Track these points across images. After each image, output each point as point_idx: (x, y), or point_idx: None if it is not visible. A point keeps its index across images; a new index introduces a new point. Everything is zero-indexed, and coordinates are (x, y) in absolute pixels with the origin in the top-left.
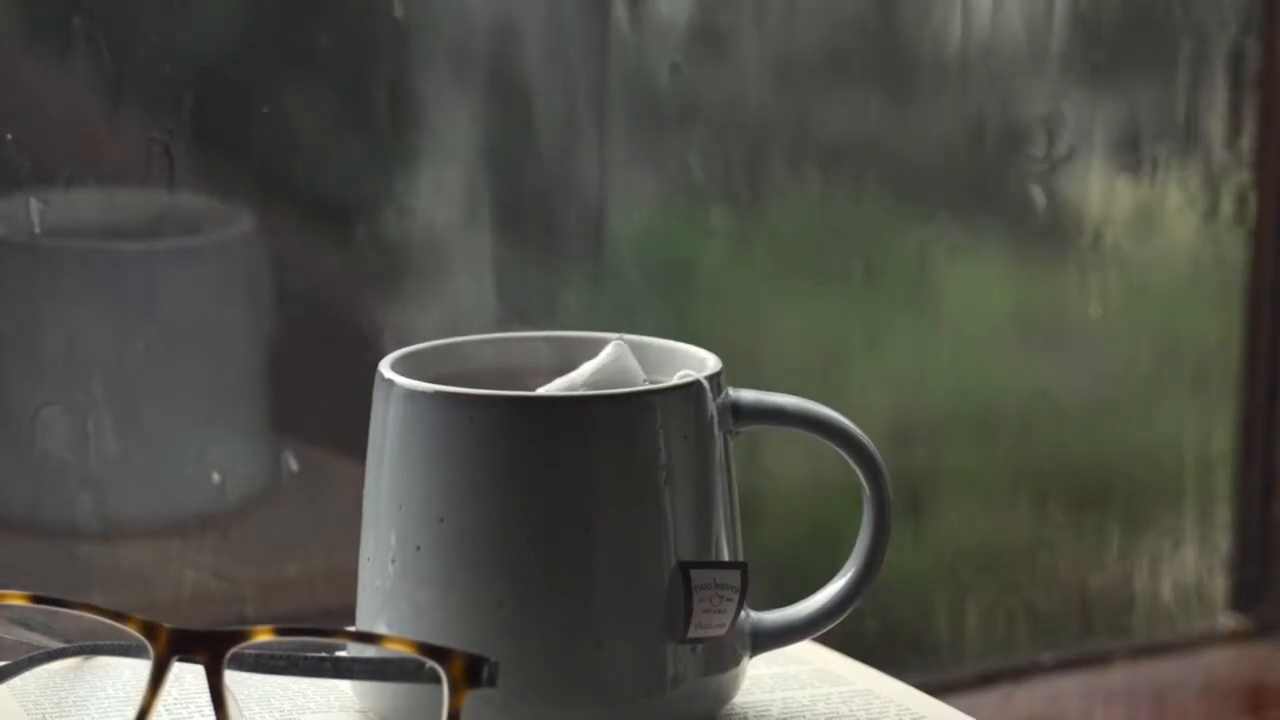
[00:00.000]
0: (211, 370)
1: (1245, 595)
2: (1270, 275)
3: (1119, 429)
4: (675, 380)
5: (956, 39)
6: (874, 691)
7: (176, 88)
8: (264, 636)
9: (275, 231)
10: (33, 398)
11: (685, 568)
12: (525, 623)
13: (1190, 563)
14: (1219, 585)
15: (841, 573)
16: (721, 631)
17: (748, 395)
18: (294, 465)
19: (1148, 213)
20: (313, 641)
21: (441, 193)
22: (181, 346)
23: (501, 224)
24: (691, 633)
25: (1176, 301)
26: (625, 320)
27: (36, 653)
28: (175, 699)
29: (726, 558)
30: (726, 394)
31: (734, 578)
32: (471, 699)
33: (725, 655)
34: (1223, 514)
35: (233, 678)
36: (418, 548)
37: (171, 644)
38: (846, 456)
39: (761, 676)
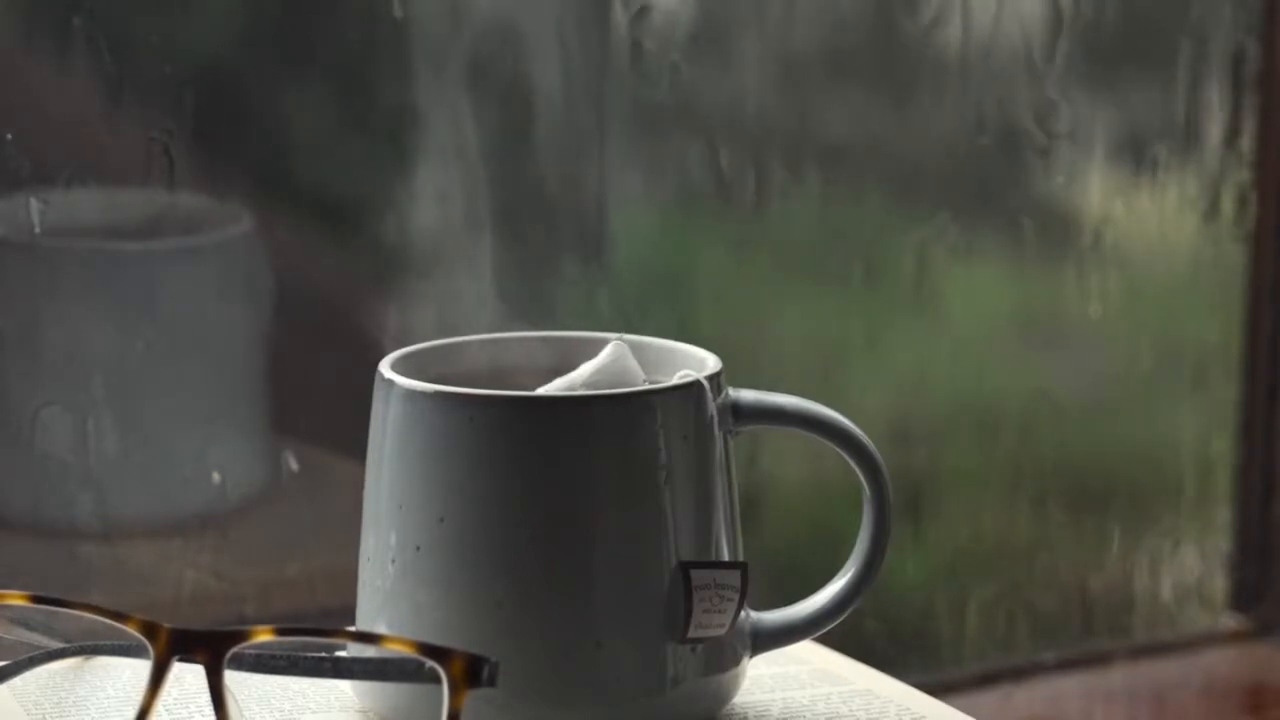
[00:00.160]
0: (211, 370)
1: (1245, 595)
2: (1270, 275)
3: (1119, 429)
4: (675, 380)
5: (957, 38)
6: (874, 691)
7: (176, 88)
8: (264, 636)
9: (275, 231)
10: (33, 398)
11: (685, 568)
12: (525, 623)
13: (1190, 563)
14: (1219, 585)
15: (841, 573)
16: (721, 631)
17: (748, 395)
18: (294, 465)
19: (1148, 213)
20: (313, 641)
21: (441, 193)
22: (181, 346)
23: (501, 224)
24: (691, 633)
25: (1176, 302)
26: (625, 320)
27: (36, 653)
28: (175, 699)
29: (726, 558)
30: (726, 394)
31: (734, 578)
32: (471, 699)
33: (725, 655)
34: (1223, 514)
35: (233, 678)
36: (418, 548)
37: (171, 644)
38: (846, 456)
39: (761, 676)
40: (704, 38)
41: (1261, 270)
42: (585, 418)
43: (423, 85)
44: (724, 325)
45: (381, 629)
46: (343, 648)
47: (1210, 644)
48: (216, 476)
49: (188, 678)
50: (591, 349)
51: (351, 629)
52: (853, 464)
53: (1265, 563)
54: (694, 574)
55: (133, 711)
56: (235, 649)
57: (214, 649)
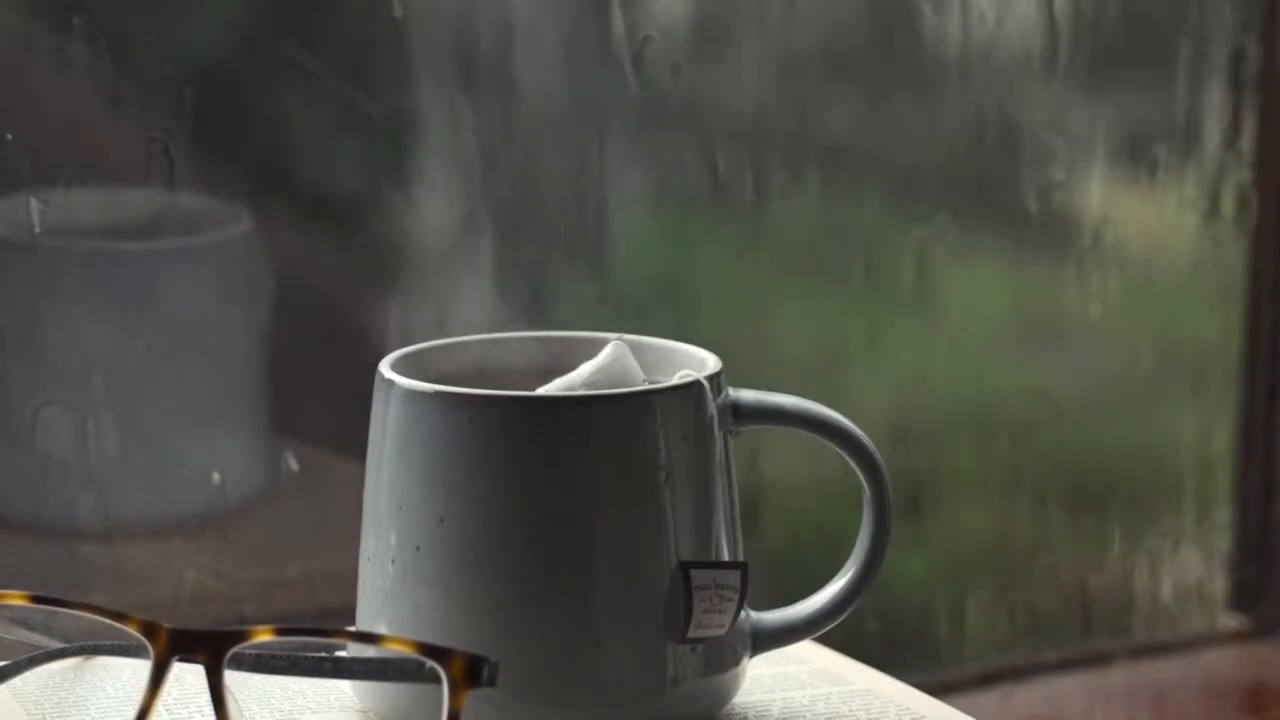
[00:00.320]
0: (211, 370)
1: (1245, 595)
2: (1270, 275)
3: (1119, 429)
4: (675, 380)
5: (957, 38)
6: (874, 691)
7: (176, 88)
8: (264, 636)
9: (275, 231)
10: (33, 398)
11: (685, 568)
12: (525, 623)
13: (1190, 563)
14: (1219, 585)
15: (841, 573)
16: (721, 631)
17: (748, 395)
18: (294, 465)
19: (1148, 213)
20: (313, 641)
21: (441, 193)
22: (181, 346)
23: (501, 224)
24: (691, 633)
25: (1176, 301)
26: (625, 320)
27: (36, 653)
28: (175, 699)
29: (726, 558)
30: (726, 394)
31: (734, 578)
32: (471, 699)
33: (725, 655)
34: (1223, 514)
35: (233, 678)
36: (418, 548)
37: (171, 644)
38: (846, 456)
39: (761, 676)
40: (704, 38)
41: (1261, 270)
42: (585, 418)
43: (423, 85)
44: (724, 325)
45: (381, 629)
46: (343, 648)
47: (1210, 644)
48: (216, 476)
49: (188, 678)
50: (591, 349)
51: (351, 629)
52: (853, 464)
53: (1265, 563)
54: (694, 574)
55: (133, 711)
56: (235, 649)
57: (214, 649)
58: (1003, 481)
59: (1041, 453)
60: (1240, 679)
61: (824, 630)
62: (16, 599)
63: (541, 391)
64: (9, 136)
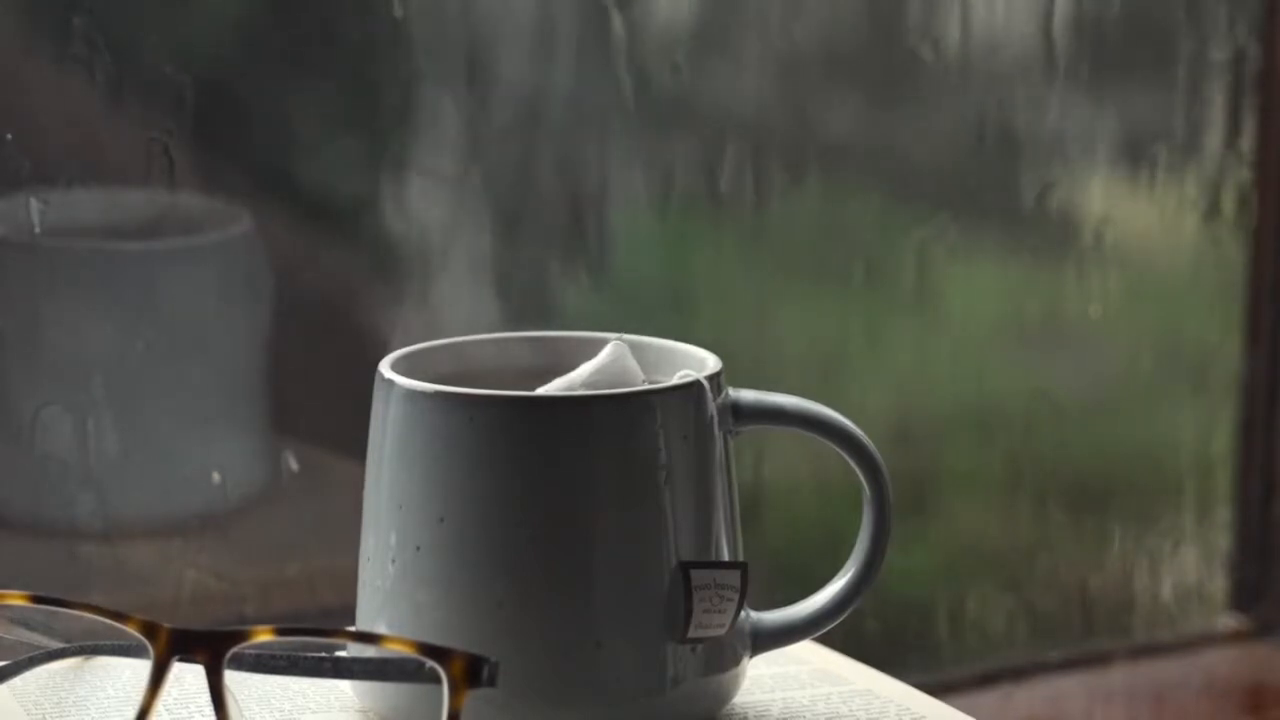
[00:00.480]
0: (211, 370)
1: (1245, 595)
2: (1270, 275)
3: (1119, 429)
4: (675, 380)
5: (957, 38)
6: (874, 691)
7: (176, 88)
8: (264, 636)
9: (275, 231)
10: (33, 398)
11: (685, 568)
12: (525, 623)
13: (1190, 563)
14: (1219, 585)
15: (841, 573)
16: (721, 631)
17: (748, 395)
18: (294, 465)
19: (1148, 213)
20: (313, 641)
21: (441, 193)
22: (181, 346)
23: (501, 224)
24: (691, 633)
25: (1176, 301)
26: (625, 320)
27: (36, 653)
28: (175, 699)
29: (726, 558)
30: (726, 394)
31: (734, 578)
32: (471, 699)
33: (725, 655)
34: (1223, 514)
35: (233, 678)
36: (418, 548)
37: (171, 644)
38: (846, 456)
39: (761, 676)
40: (704, 38)
41: (1261, 270)
42: (585, 418)
43: (423, 85)
44: (724, 325)
45: (381, 629)
46: (343, 648)
47: (1210, 644)
48: (216, 476)
49: (188, 678)
50: (591, 349)
51: (351, 629)
52: (853, 464)
53: (1265, 563)
54: (694, 574)
55: (133, 711)
56: (235, 649)
57: (214, 649)
58: (1003, 481)
59: (1041, 453)
60: (1240, 679)
61: (824, 630)
62: (16, 599)
63: (541, 391)
64: (9, 136)
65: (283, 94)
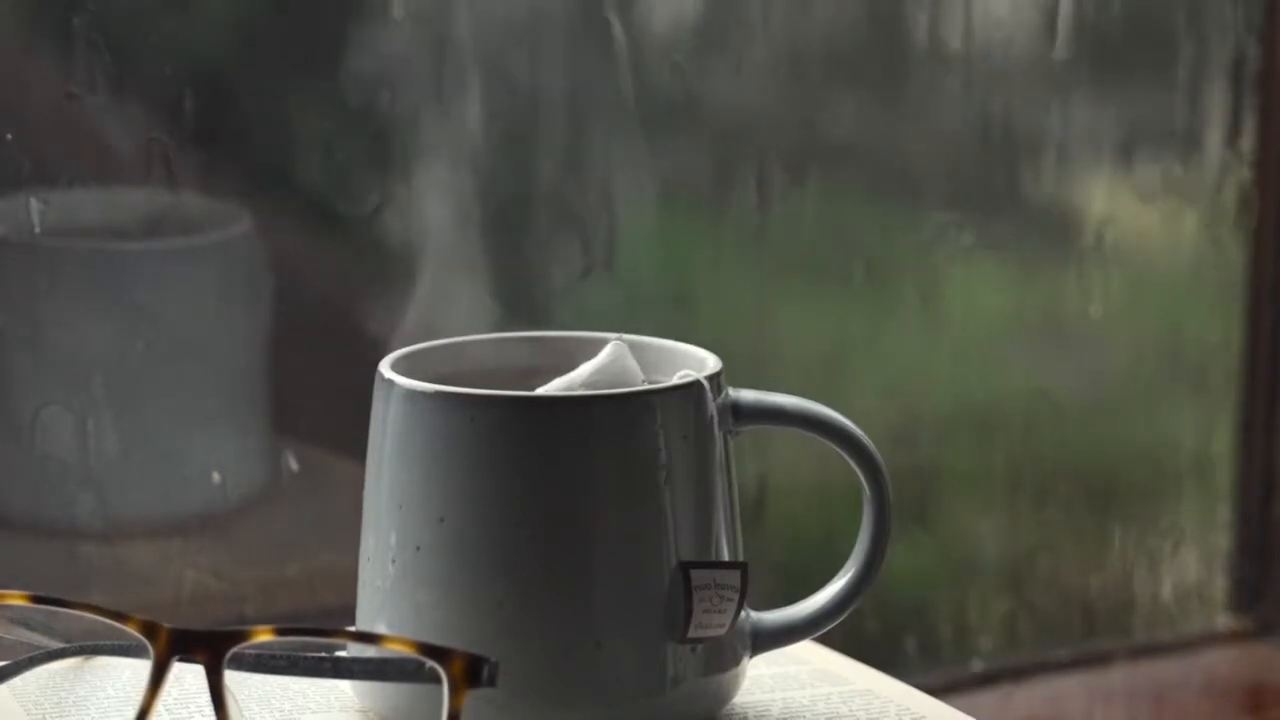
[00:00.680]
0: (211, 370)
1: (1245, 595)
2: (1270, 275)
3: (1119, 429)
4: (675, 380)
5: (958, 38)
6: (874, 691)
7: (176, 88)
8: (264, 636)
9: (275, 231)
10: (33, 398)
11: (685, 568)
12: (525, 623)
13: (1190, 563)
14: (1219, 585)
15: (841, 573)
16: (721, 631)
17: (748, 395)
18: (294, 465)
19: (1148, 212)
20: (313, 641)
21: (442, 193)
22: (182, 346)
23: (501, 225)
24: (691, 633)
25: (1176, 301)
26: (626, 320)
27: (36, 653)
28: (175, 699)
29: (726, 558)
30: (726, 394)
31: (734, 578)
32: (471, 699)
33: (725, 655)
34: (1223, 514)
35: (233, 678)
36: (418, 548)
37: (171, 644)
38: (846, 456)
39: (761, 676)
40: (706, 37)
41: (1262, 270)
42: (585, 418)
43: (422, 85)
44: (724, 325)
45: (381, 629)
46: (343, 648)
47: (1210, 644)
48: (216, 476)
49: (188, 678)
50: (591, 349)
51: (351, 629)
52: (853, 464)
53: (1265, 563)
54: (694, 574)
55: (133, 711)
56: (235, 649)
57: (214, 649)
58: (1003, 481)
59: (1042, 453)
60: (1240, 679)
61: (824, 630)
62: (16, 599)
63: (541, 391)
64: (9, 136)
65: (283, 94)
